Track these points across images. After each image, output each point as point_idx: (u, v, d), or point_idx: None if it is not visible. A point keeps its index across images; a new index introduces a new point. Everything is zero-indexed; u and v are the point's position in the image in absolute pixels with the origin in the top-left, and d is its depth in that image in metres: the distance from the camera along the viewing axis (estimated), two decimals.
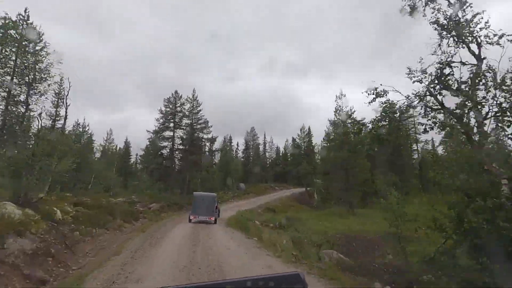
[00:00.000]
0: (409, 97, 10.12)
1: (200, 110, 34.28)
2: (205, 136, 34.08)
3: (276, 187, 57.28)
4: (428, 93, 9.87)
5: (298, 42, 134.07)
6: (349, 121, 29.52)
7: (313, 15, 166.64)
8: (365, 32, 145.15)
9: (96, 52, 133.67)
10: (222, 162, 50.93)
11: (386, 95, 10.01)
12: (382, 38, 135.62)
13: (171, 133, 33.82)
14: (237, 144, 67.54)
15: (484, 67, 9.24)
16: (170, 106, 34.22)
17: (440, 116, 10.08)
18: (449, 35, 10.11)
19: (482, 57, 9.47)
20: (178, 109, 34.34)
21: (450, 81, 9.99)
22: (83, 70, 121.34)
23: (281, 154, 73.44)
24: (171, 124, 33.96)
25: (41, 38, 19.13)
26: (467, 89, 9.46)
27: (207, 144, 34.32)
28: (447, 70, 10.00)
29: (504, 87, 8.38)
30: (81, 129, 52.90)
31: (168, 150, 34.21)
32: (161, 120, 33.44)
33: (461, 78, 9.73)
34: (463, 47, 9.84)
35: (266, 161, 69.61)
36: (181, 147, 34.24)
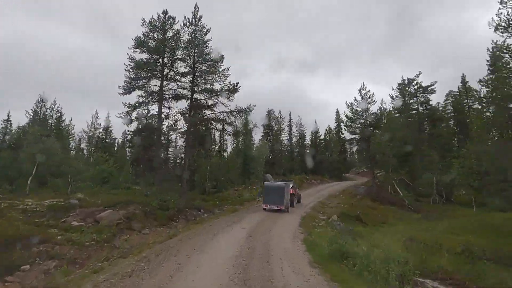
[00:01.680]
0: None
1: (207, 41, 19.22)
2: (217, 85, 18.91)
3: (312, 180, 42.19)
4: None
5: (307, 39, 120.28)
6: None
7: (322, 13, 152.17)
8: (374, 28, 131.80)
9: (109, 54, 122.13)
10: (239, 145, 36.04)
11: None
12: (391, 33, 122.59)
13: (158, 84, 18.96)
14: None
15: None
16: (155, 36, 19.32)
17: None
18: None
19: None
20: (170, 42, 19.40)
21: None
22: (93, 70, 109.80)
23: (306, 142, 58.15)
24: (158, 69, 19.08)
25: None
26: None
27: (222, 100, 18.97)
28: None
29: None
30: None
31: (150, 118, 19.29)
32: (138, 60, 18.53)
33: None
34: None
35: (293, 148, 54.45)
36: (175, 108, 19.36)
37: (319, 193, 28.60)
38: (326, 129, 62.84)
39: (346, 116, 29.45)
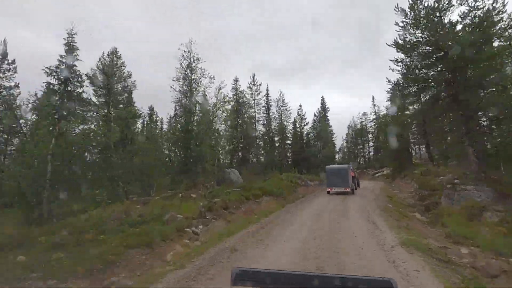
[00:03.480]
0: None
1: None
2: None
3: (307, 180, 25.17)
4: None
5: (282, 48, 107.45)
6: None
7: (298, 23, 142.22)
8: (344, 40, 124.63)
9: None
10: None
11: None
12: (358, 46, 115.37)
13: None
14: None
15: None
16: None
17: None
18: None
19: None
20: None
21: None
22: None
23: (289, 128, 41.67)
24: None
25: None
26: None
27: None
28: None
29: None
30: None
31: None
32: None
33: None
34: None
35: (272, 135, 37.29)
36: None
37: (356, 207, 11.79)
38: (315, 114, 47.13)
39: (405, 23, 12.97)
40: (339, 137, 64.53)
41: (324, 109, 49.48)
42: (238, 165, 30.80)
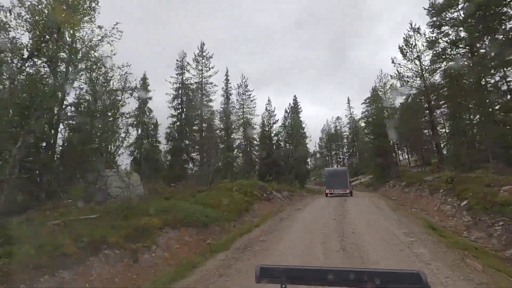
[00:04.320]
0: None
1: None
2: None
3: (273, 189, 16.65)
4: None
5: (258, 57, 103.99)
6: None
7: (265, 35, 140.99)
8: (315, 53, 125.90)
9: None
10: None
11: None
12: (329, 58, 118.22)
13: None
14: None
15: None
16: None
17: None
18: None
19: None
20: None
21: None
22: None
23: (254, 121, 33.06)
24: None
25: None
26: None
27: None
28: None
29: None
30: None
31: None
32: None
33: None
34: None
35: (229, 129, 28.41)
36: None
37: None
38: (286, 110, 39.21)
39: None
40: (311, 145, 58.24)
41: (296, 107, 41.94)
42: (181, 170, 21.75)
